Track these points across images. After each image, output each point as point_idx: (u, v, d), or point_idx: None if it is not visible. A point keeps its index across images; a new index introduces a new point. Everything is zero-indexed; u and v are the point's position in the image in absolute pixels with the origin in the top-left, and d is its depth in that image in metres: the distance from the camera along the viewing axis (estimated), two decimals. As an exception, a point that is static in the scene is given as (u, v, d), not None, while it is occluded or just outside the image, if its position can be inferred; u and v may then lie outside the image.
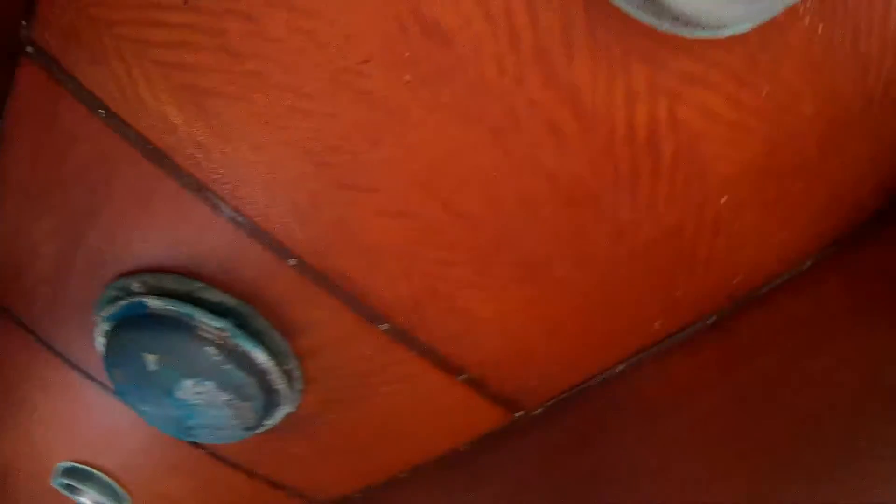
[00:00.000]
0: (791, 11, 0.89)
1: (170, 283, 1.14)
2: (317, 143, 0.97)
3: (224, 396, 1.16)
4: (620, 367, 1.16)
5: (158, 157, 1.05)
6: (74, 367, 1.43)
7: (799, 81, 0.95)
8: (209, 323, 1.11)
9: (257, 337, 1.12)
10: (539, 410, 1.19)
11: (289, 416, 1.22)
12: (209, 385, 1.15)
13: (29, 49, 1.00)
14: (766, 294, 1.17)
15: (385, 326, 1.08)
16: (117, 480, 1.61)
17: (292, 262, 1.05)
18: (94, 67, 1.02)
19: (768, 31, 0.89)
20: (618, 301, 1.07)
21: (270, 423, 1.22)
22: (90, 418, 1.52)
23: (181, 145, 1.03)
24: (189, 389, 1.16)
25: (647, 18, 0.87)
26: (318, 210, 1.01)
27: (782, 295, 1.17)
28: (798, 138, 1.00)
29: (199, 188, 1.05)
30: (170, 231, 1.11)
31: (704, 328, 1.17)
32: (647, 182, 0.98)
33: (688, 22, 0.86)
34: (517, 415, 1.19)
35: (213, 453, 1.36)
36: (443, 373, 1.12)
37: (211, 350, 1.12)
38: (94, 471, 1.62)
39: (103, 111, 1.04)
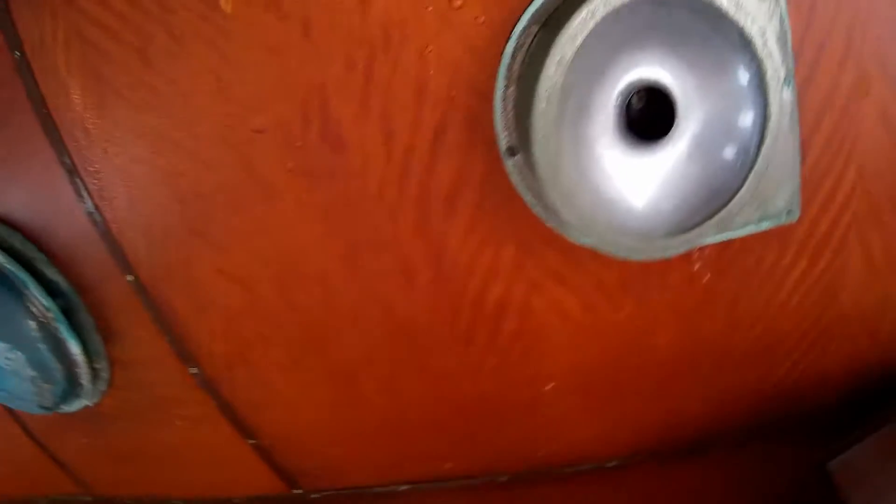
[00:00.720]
0: (685, 255, 0.94)
1: (17, 242, 1.13)
2: (186, 184, 0.97)
3: (30, 372, 1.15)
4: (404, 488, 1.19)
5: (49, 122, 1.04)
6: None
7: (665, 315, 0.99)
8: (39, 298, 1.10)
9: (78, 330, 1.12)
10: (317, 495, 1.21)
11: (86, 408, 1.21)
12: (19, 356, 1.14)
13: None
14: (565, 474, 1.21)
15: (194, 370, 1.09)
16: None
17: (129, 278, 1.05)
18: (28, 10, 1.01)
19: (655, 264, 0.93)
20: (414, 434, 1.10)
21: (66, 409, 1.21)
22: None
23: (72, 124, 1.02)
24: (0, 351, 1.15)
25: (537, 208, 0.90)
26: (167, 243, 1.01)
27: (578, 481, 1.22)
28: (644, 361, 1.04)
29: (72, 172, 1.04)
30: (33, 196, 1.10)
31: (495, 483, 1.21)
32: (480, 349, 1.01)
33: (571, 229, 0.90)
34: (295, 491, 1.21)
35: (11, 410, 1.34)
36: (235, 431, 1.14)
37: (32, 325, 1.11)
38: None
39: (19, 53, 1.03)
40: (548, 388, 1.04)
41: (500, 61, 0.84)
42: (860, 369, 1.12)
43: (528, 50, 0.84)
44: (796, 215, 0.89)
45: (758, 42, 0.76)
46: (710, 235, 0.88)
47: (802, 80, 0.84)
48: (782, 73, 0.78)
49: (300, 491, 1.22)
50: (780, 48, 0.80)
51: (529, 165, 0.86)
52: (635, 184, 0.84)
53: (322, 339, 1.01)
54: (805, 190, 0.90)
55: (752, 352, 1.05)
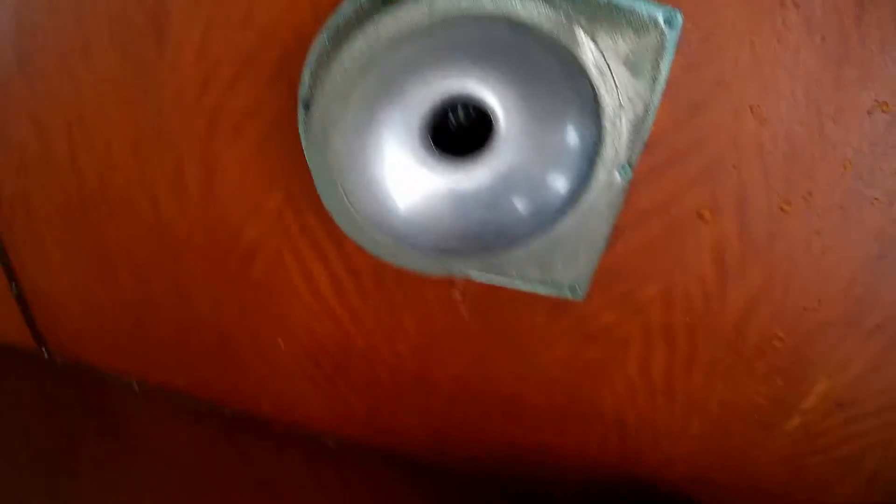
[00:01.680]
0: (449, 280, 0.94)
1: None
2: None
3: None
4: (136, 385, 1.19)
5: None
6: None
7: (410, 325, 1.00)
8: None
9: None
10: (61, 363, 1.22)
11: None
12: None
13: None
14: (282, 431, 1.21)
15: None
16: None
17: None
18: None
19: (414, 275, 0.93)
20: (154, 335, 1.11)
21: None
22: None
23: None
24: None
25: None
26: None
27: (295, 445, 1.23)
28: (378, 359, 1.05)
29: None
30: None
31: (219, 413, 1.21)
32: (228, 280, 1.01)
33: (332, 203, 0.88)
34: (43, 350, 1.22)
35: None
36: (2, 270, 1.15)
37: None
38: None
39: None
40: (281, 343, 1.05)
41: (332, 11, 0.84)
42: (595, 463, 1.13)
43: (361, 11, 0.82)
44: (581, 296, 0.87)
45: (608, 113, 0.71)
46: (475, 271, 0.86)
47: (644, 175, 0.81)
48: (622, 157, 0.74)
49: (46, 350, 1.23)
50: (632, 133, 0.74)
51: (309, 122, 0.86)
52: (408, 187, 0.83)
53: (95, 213, 1.02)
54: (605, 279, 0.89)
55: (490, 403, 1.06)
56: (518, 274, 0.86)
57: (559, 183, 0.82)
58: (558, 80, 0.73)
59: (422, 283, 0.94)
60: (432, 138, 0.82)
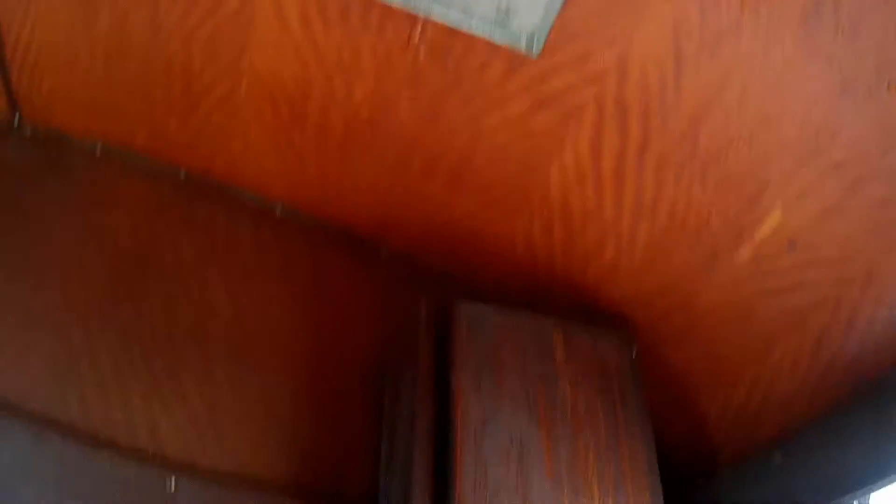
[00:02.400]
0: (411, 21, 0.95)
1: None
2: None
3: None
4: (99, 148, 1.22)
5: None
6: None
7: (367, 63, 1.00)
8: None
9: None
10: (31, 131, 1.26)
11: None
12: None
13: None
14: (233, 194, 1.26)
15: None
16: None
17: None
18: None
19: (377, 18, 0.94)
20: (125, 89, 1.14)
21: None
22: None
23: None
24: None
25: None
26: None
27: (246, 211, 1.25)
28: (337, 109, 1.06)
29: None
30: None
31: (174, 178, 1.24)
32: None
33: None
34: (16, 117, 1.26)
35: None
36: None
37: None
38: None
39: None
40: (242, 87, 1.07)
41: None
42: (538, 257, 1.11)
43: None
44: (537, 49, 0.88)
45: None
46: (439, 6, 0.88)
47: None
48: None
49: (18, 117, 1.26)
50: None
51: None
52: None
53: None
54: (561, 40, 0.89)
55: (438, 169, 1.06)
56: (479, 15, 0.88)
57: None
58: None
59: (384, 20, 0.94)
60: None
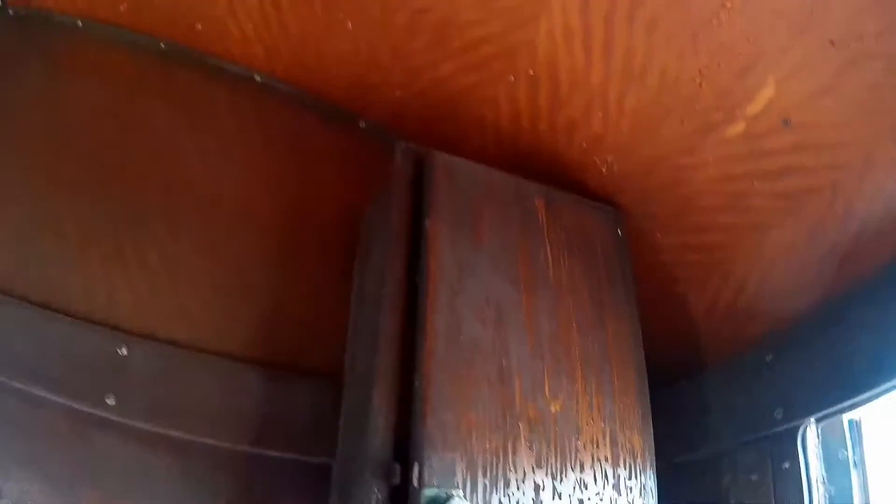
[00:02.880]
0: None
1: None
2: None
3: None
4: (81, 25, 1.19)
5: None
6: None
7: None
8: None
9: None
10: (14, 11, 1.21)
11: None
12: None
13: None
14: (216, 66, 1.21)
15: None
16: None
17: None
18: None
19: None
20: None
21: None
22: None
23: None
24: None
25: None
26: None
27: (227, 80, 1.21)
28: None
29: None
30: None
31: (155, 49, 1.20)
32: None
33: None
34: None
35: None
36: None
37: None
38: None
39: None
40: None
41: None
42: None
43: None
44: None
45: None
46: None
47: None
48: None
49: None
50: None
51: None
52: None
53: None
54: None
55: (419, 24, 1.01)
56: None
57: None
58: None
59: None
60: None
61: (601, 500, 0.91)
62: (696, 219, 1.10)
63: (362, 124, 1.14)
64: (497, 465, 0.84)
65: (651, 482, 0.97)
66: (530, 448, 0.87)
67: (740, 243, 1.10)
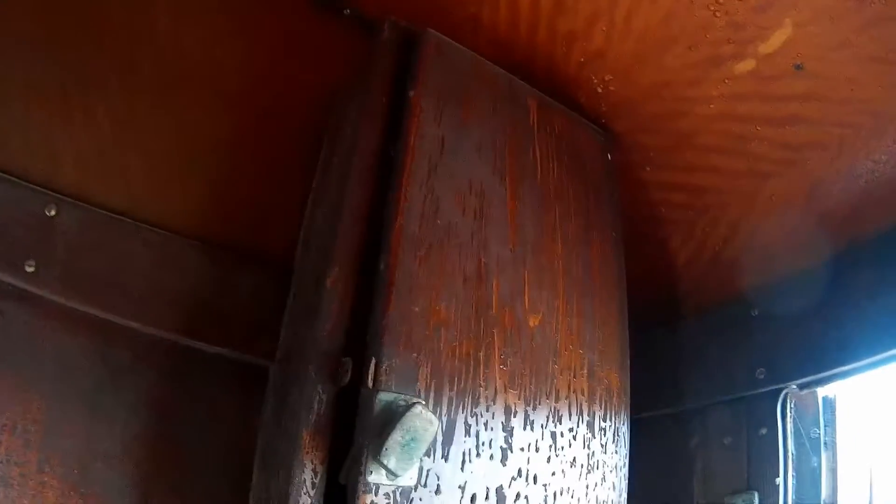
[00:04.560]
0: None
1: None
2: None
3: None
4: None
5: None
6: None
7: None
8: None
9: None
10: None
11: None
12: None
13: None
14: None
15: None
16: None
17: None
18: None
19: None
20: None
21: None
22: None
23: None
24: None
25: None
26: None
27: None
28: None
29: None
30: None
31: None
32: None
33: None
34: None
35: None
36: None
37: None
38: None
39: None
40: None
41: None
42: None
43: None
44: None
45: None
46: None
47: None
48: None
49: None
50: None
51: None
52: None
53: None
54: None
55: None
56: None
57: None
58: None
59: None
60: None
61: (574, 437, 0.80)
62: (690, 157, 1.02)
63: (347, 11, 1.00)
64: (466, 376, 0.71)
65: (625, 428, 0.86)
66: (504, 363, 0.74)
67: (734, 189, 1.02)
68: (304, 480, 0.64)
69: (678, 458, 1.03)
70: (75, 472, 0.87)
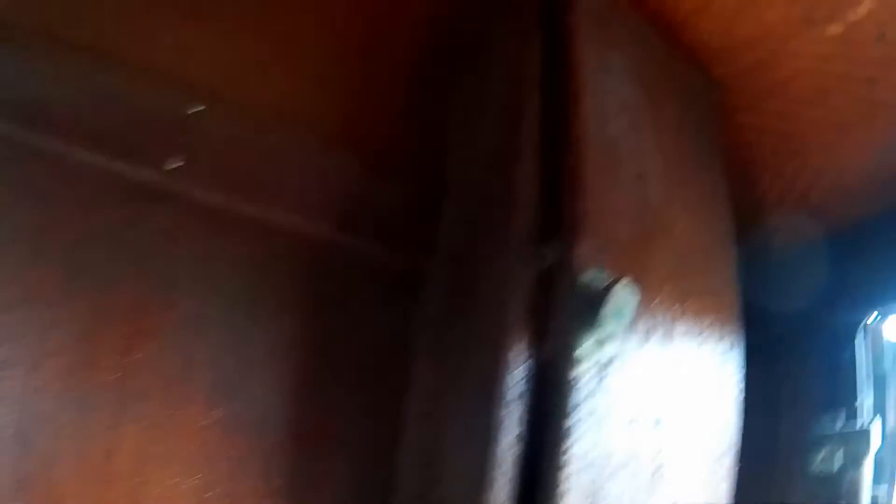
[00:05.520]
0: None
1: None
2: None
3: None
4: None
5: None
6: None
7: None
8: None
9: None
10: None
11: None
12: None
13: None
14: None
15: None
16: None
17: None
18: None
19: None
20: None
21: None
22: None
23: None
24: None
25: None
26: None
27: None
28: None
29: None
30: None
31: None
32: None
33: None
34: None
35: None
36: None
37: None
38: None
39: None
40: None
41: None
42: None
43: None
44: None
45: None
46: None
47: None
48: None
49: None
50: None
51: None
52: None
53: None
54: None
55: None
56: None
57: None
58: None
59: None
60: None
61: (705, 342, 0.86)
62: (781, 105, 1.10)
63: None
64: (636, 267, 0.76)
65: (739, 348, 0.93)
66: (659, 262, 0.80)
67: (819, 138, 1.11)
68: (510, 360, 0.67)
69: (765, 382, 1.10)
70: (219, 379, 0.86)
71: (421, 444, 0.80)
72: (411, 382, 0.82)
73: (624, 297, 0.66)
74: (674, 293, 0.81)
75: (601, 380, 0.68)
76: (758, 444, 0.94)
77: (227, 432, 0.84)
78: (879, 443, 0.98)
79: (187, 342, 0.85)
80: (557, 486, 0.64)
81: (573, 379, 0.66)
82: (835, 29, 1.03)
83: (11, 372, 0.76)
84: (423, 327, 0.85)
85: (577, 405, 0.66)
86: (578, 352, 0.67)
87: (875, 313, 1.05)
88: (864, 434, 0.98)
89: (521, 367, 0.67)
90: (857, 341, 1.05)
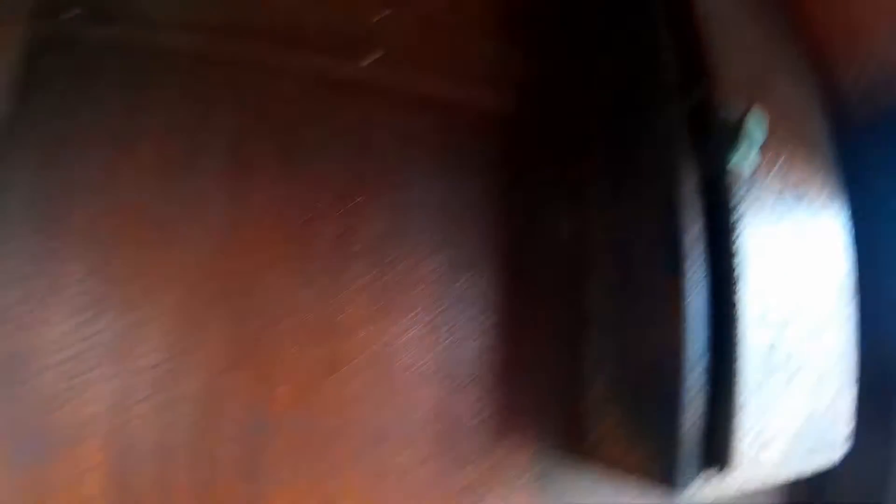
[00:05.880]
0: None
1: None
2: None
3: None
4: None
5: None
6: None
7: None
8: None
9: None
10: None
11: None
12: None
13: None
14: None
15: None
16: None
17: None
18: None
19: None
20: None
21: None
22: None
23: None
24: None
25: None
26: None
27: None
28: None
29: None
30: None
31: None
32: None
33: None
34: None
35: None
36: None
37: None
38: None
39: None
40: None
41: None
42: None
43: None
44: None
45: None
46: None
47: None
48: None
49: None
50: None
51: None
52: None
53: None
54: None
55: None
56: None
57: None
58: None
59: None
60: None
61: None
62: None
63: None
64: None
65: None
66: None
67: (881, 29, 1.27)
68: (682, 181, 0.86)
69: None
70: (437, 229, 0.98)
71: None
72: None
73: (755, 121, 0.85)
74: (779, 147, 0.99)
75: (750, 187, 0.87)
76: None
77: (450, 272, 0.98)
78: None
79: (383, 238, 0.98)
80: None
81: (736, 182, 0.84)
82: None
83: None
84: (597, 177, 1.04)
85: (737, 204, 0.84)
86: (731, 164, 0.85)
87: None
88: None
89: (691, 182, 0.86)
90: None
